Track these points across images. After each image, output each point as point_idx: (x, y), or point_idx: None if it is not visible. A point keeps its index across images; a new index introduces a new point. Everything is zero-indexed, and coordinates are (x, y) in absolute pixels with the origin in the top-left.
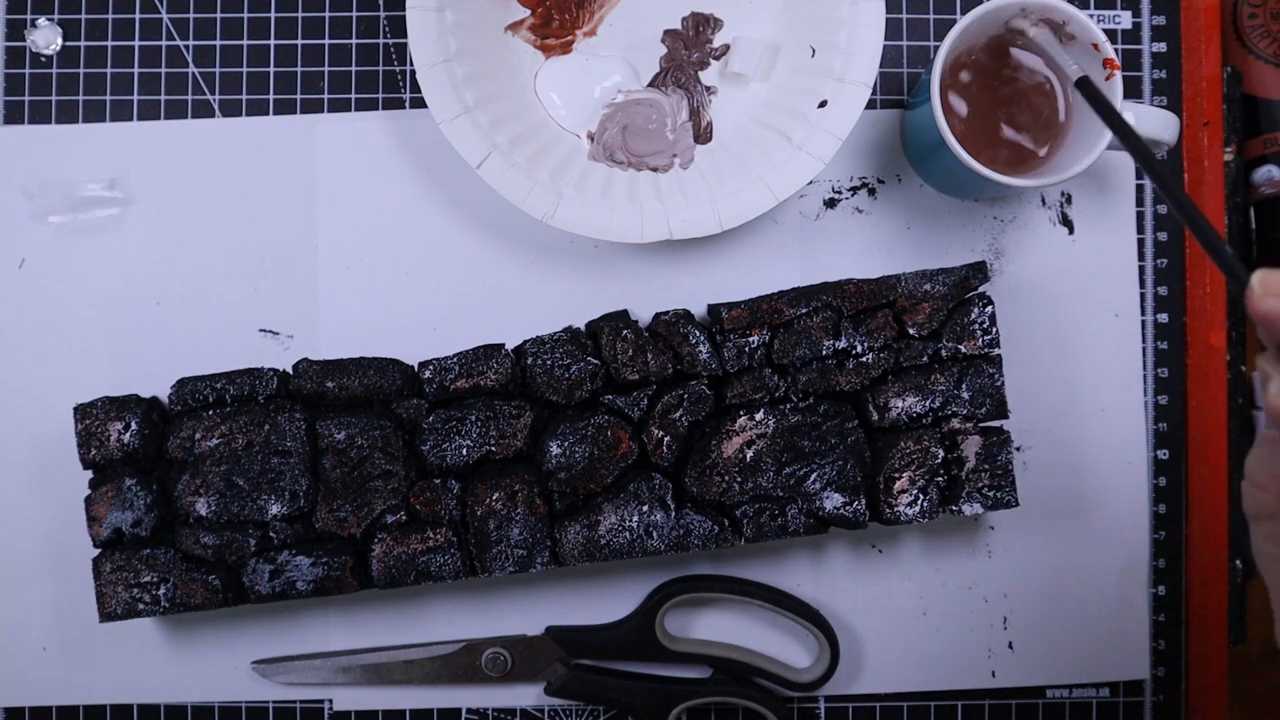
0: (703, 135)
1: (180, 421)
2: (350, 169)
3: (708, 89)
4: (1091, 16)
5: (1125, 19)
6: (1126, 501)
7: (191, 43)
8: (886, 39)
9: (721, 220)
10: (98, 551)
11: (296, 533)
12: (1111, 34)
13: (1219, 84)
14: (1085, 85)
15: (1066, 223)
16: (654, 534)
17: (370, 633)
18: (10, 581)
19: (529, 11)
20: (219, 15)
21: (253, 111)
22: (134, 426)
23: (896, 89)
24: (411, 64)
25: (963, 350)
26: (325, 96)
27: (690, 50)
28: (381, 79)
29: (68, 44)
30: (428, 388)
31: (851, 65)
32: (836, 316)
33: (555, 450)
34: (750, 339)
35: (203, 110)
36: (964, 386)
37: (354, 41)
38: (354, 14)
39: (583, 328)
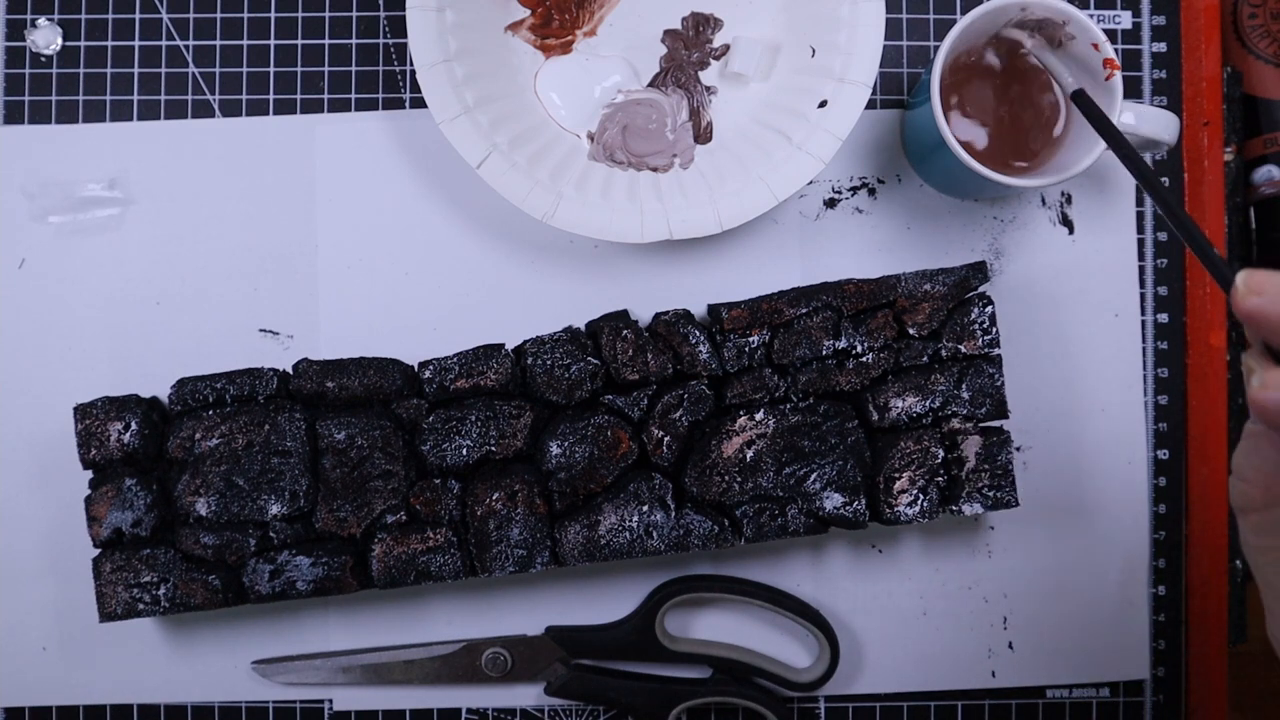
0: (703, 135)
1: (180, 421)
2: (350, 169)
3: (708, 89)
4: (1091, 16)
5: (1125, 19)
6: (1126, 501)
7: (191, 43)
8: (886, 39)
9: (721, 220)
10: (98, 551)
11: (296, 533)
12: (1111, 34)
13: (1219, 84)
14: (1081, 98)
15: (1066, 223)
16: (654, 534)
17: (370, 633)
18: (10, 581)
19: (529, 11)
20: (219, 15)
21: (253, 111)
22: (134, 426)
23: (896, 89)
24: (411, 64)
25: (963, 350)
26: (325, 96)
27: (690, 50)
28: (381, 79)
29: (68, 44)
30: (428, 388)
31: (851, 65)
32: (836, 316)
33: (555, 450)
34: (750, 339)
35: (203, 110)
36: (964, 386)
37: (354, 41)
38: (354, 14)
39: (583, 328)
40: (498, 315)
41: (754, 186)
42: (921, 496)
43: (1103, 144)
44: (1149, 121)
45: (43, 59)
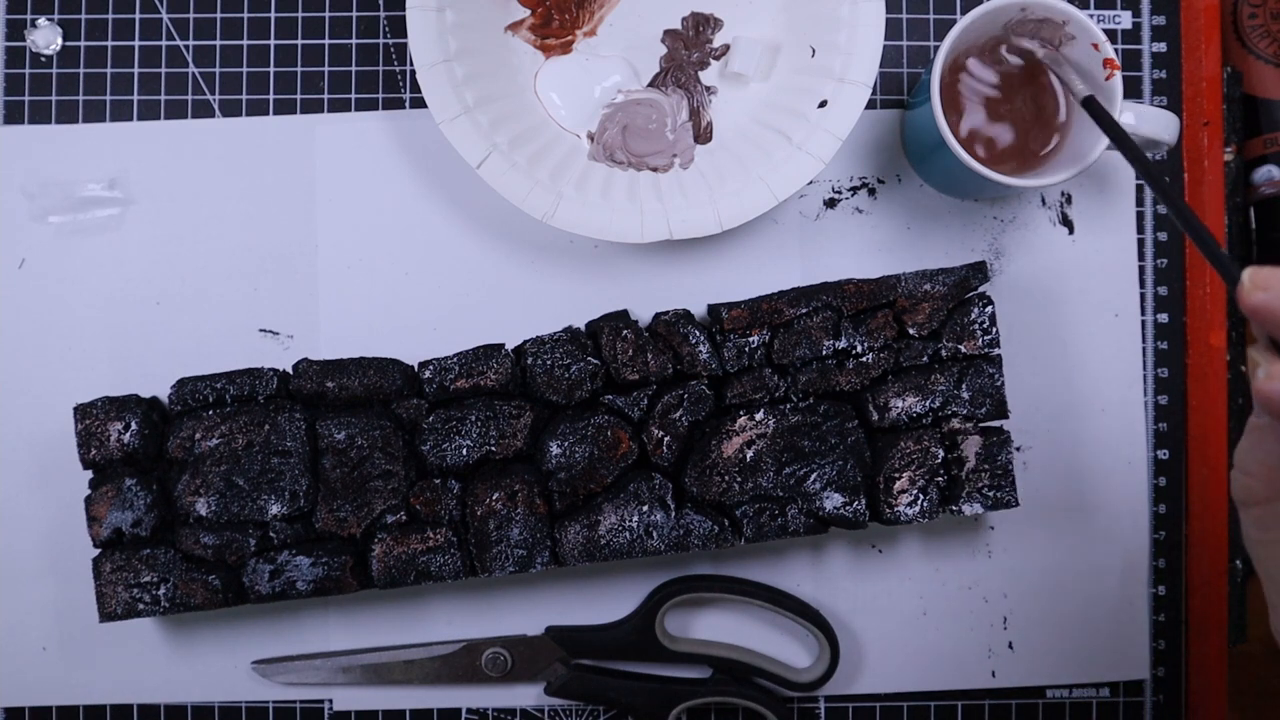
0: (703, 135)
1: (180, 421)
2: (350, 169)
3: (708, 89)
4: (1091, 16)
5: (1125, 19)
6: (1126, 501)
7: (191, 43)
8: (886, 39)
9: (721, 220)
10: (98, 551)
11: (296, 533)
12: (1111, 34)
13: (1219, 84)
14: (1092, 105)
15: (1066, 223)
16: (654, 534)
17: (370, 633)
18: (10, 581)
19: (529, 11)
20: (219, 15)
21: (253, 111)
22: (134, 426)
23: (896, 89)
24: (411, 64)
25: (963, 350)
26: (325, 96)
27: (690, 50)
28: (381, 79)
29: (68, 44)
30: (428, 388)
31: (851, 65)
32: (836, 316)
33: (555, 450)
34: (750, 339)
35: (203, 110)
36: (964, 386)
37: (354, 41)
38: (354, 14)
39: (583, 328)
40: (498, 315)
41: (754, 186)
42: (921, 496)
43: (1103, 144)
44: (1149, 121)
45: (43, 59)
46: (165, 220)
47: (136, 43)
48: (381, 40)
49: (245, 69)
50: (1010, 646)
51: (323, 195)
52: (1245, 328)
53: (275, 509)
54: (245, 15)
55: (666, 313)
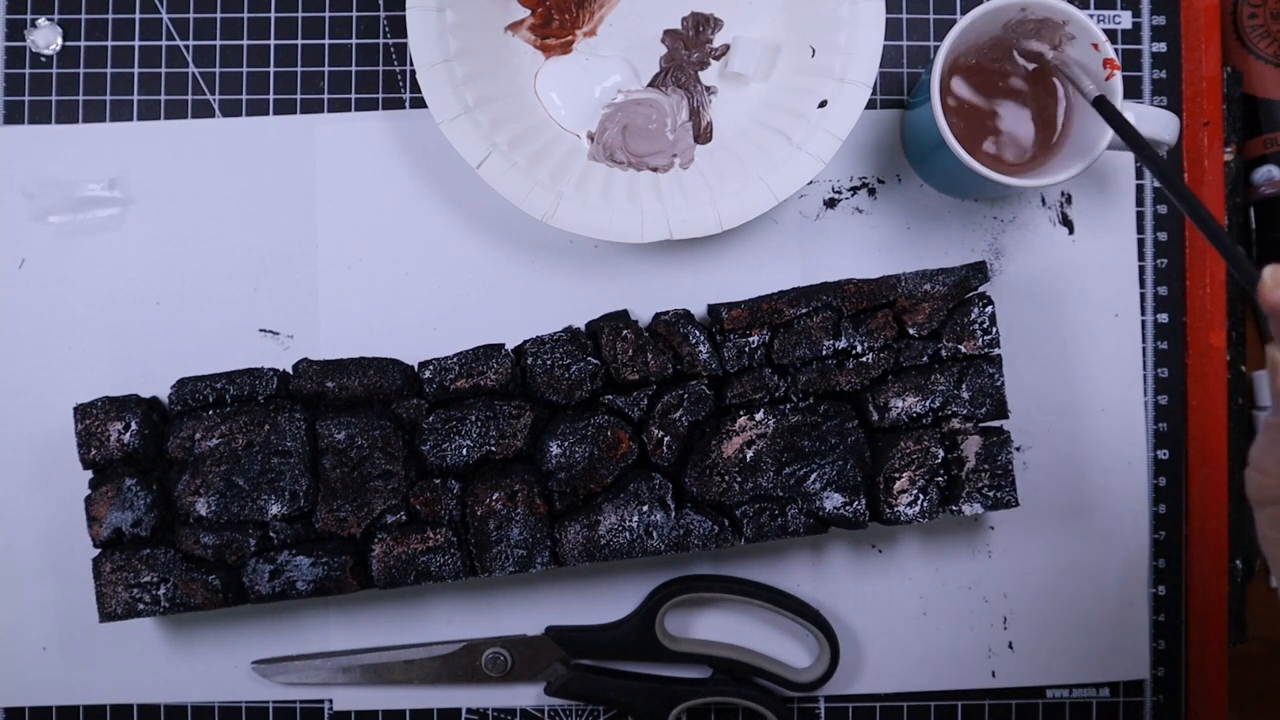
0: (703, 135)
1: (180, 421)
2: (350, 169)
3: (708, 89)
4: (1091, 16)
5: (1125, 19)
6: (1126, 501)
7: (191, 43)
8: (886, 39)
9: (721, 220)
10: (98, 551)
11: (296, 533)
12: (1111, 34)
13: (1219, 84)
14: (1102, 105)
15: (1066, 223)
16: (654, 534)
17: (370, 633)
18: (10, 581)
19: (529, 11)
20: (219, 15)
21: (253, 111)
22: (134, 426)
23: (896, 89)
24: (411, 64)
25: (963, 350)
26: (325, 96)
27: (690, 50)
28: (381, 79)
29: (68, 44)
30: (428, 388)
31: (851, 65)
32: (836, 316)
33: (555, 450)
34: (750, 339)
35: (203, 110)
36: (964, 386)
37: (354, 41)
38: (354, 14)
39: (583, 328)
40: (498, 315)
41: (754, 186)
42: (921, 496)
43: (1103, 144)
44: (1149, 121)
45: (43, 59)
46: (165, 220)
47: (136, 43)
48: (381, 40)
49: (245, 69)
50: (1010, 646)
51: (323, 195)
52: (1246, 328)
53: (275, 509)
54: (245, 15)
55: (666, 313)
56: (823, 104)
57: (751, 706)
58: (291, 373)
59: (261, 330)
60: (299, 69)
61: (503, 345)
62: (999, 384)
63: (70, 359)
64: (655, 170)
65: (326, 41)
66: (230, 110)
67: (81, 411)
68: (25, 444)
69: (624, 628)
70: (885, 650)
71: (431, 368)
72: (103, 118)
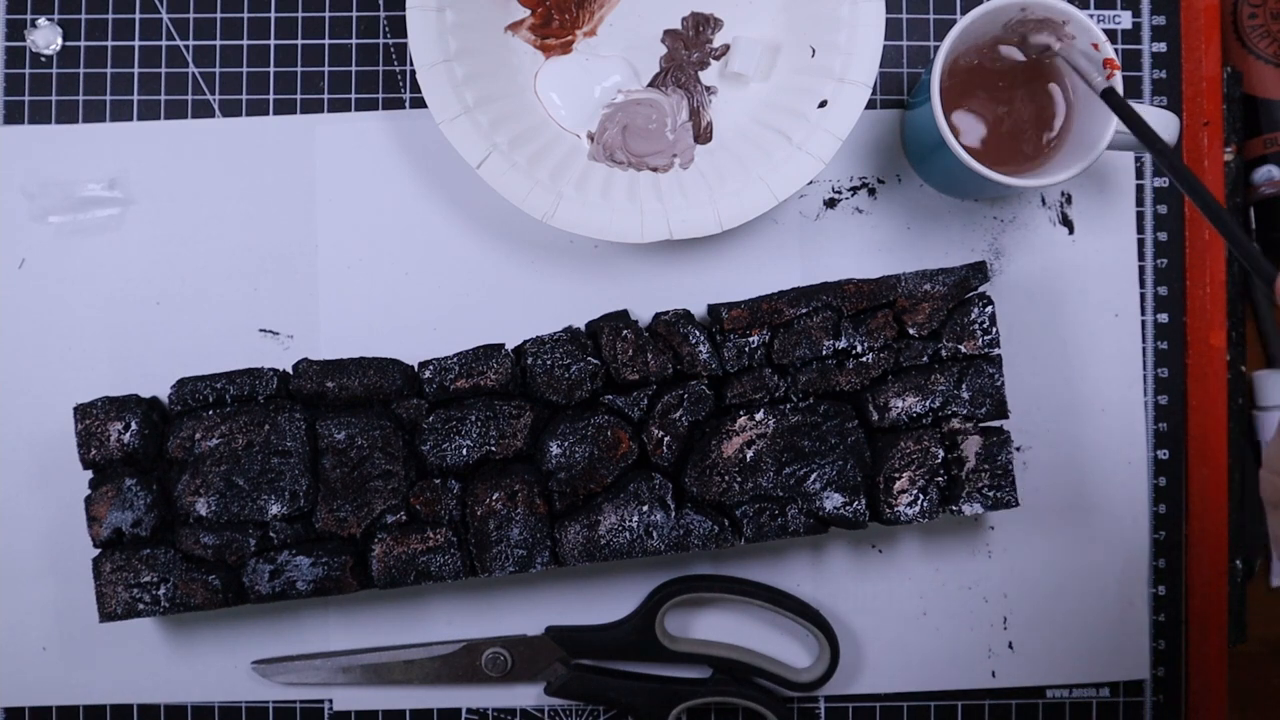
0: (703, 135)
1: (180, 421)
2: (350, 169)
3: (708, 89)
4: (1091, 16)
5: (1125, 19)
6: (1126, 501)
7: (191, 43)
8: (886, 39)
9: (721, 220)
10: (98, 551)
11: (296, 533)
12: (1111, 34)
13: (1219, 84)
14: (1111, 96)
15: (1066, 223)
16: (654, 534)
17: (370, 633)
18: (10, 581)
19: (529, 11)
20: (219, 15)
21: (253, 111)
22: (134, 426)
23: (896, 89)
24: (411, 64)
25: (963, 350)
26: (325, 96)
27: (690, 50)
28: (381, 79)
29: (68, 44)
30: (428, 388)
31: (851, 65)
32: (836, 316)
33: (555, 450)
34: (750, 339)
35: (203, 110)
36: (964, 386)
37: (354, 41)
38: (354, 14)
39: (583, 328)
40: (498, 315)
41: (754, 186)
42: (921, 496)
43: (1104, 144)
44: (1149, 122)
45: (43, 59)
46: (165, 220)
47: (136, 43)
48: (381, 40)
49: (245, 69)
50: (1010, 646)
51: (323, 195)
52: (1246, 328)
53: (275, 509)
54: (245, 15)
55: (666, 313)
56: (823, 104)
57: (751, 706)
58: (291, 373)
59: (261, 330)
60: (299, 69)
61: (503, 345)
62: (999, 384)
63: (70, 359)
64: (655, 170)
65: (326, 41)
66: (230, 110)
67: (81, 411)
68: (25, 444)
69: (624, 628)
70: (885, 650)
71: (431, 368)
72: (103, 118)
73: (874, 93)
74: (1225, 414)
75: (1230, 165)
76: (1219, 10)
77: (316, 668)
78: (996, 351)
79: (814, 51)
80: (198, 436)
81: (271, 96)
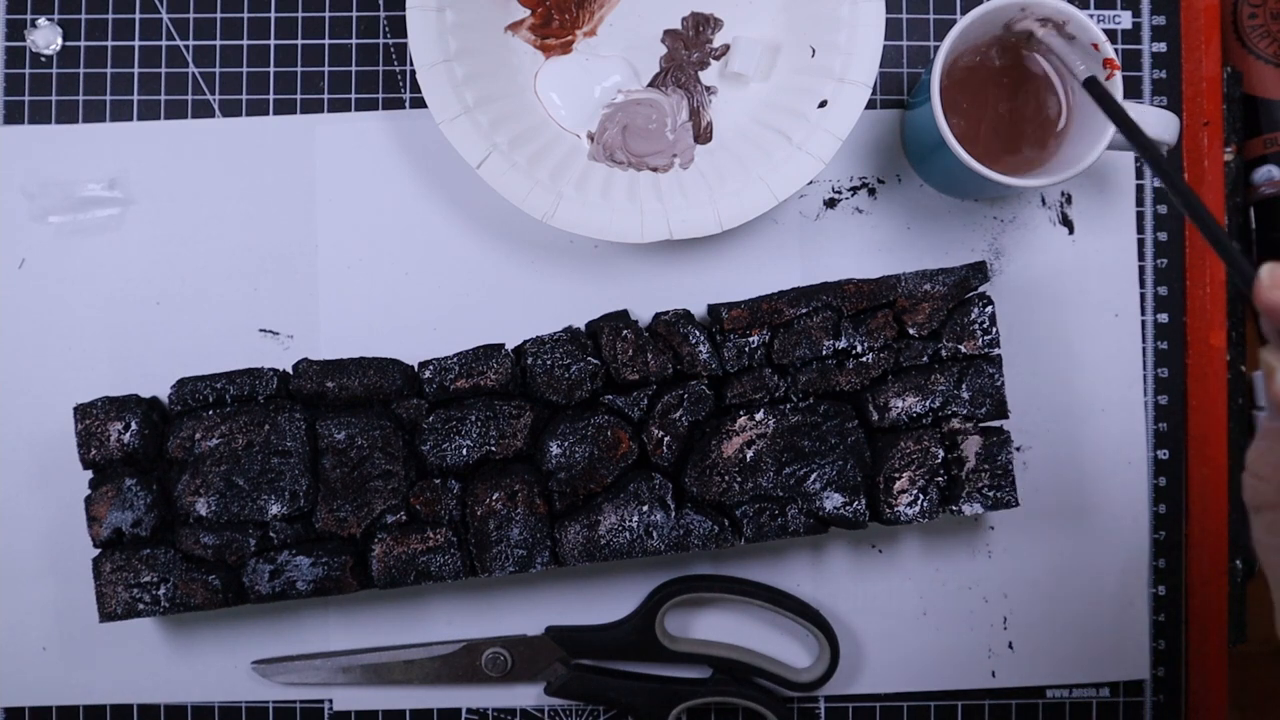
0: (703, 135)
1: (180, 421)
2: (350, 169)
3: (708, 89)
4: (1091, 16)
5: (1125, 19)
6: (1126, 501)
7: (191, 43)
8: (886, 39)
9: (721, 220)
10: (98, 551)
11: (296, 533)
12: (1111, 34)
13: (1219, 84)
14: (1093, 85)
15: (1066, 223)
16: (654, 534)
17: (370, 633)
18: (10, 581)
19: (529, 11)
20: (219, 15)
21: (253, 111)
22: (134, 426)
23: (896, 89)
24: (411, 64)
25: (963, 350)
26: (325, 96)
27: (690, 50)
28: (381, 79)
29: (68, 44)
30: (428, 388)
31: (851, 65)
32: (836, 316)
33: (555, 450)
34: (750, 339)
35: (203, 110)
36: (964, 386)
37: (354, 41)
38: (354, 14)
39: (583, 328)
40: (498, 315)
41: (754, 186)
42: (921, 496)
43: (1103, 144)
44: (1149, 121)
45: (43, 59)
46: (165, 220)
47: (136, 43)
48: (381, 40)
49: (245, 69)
50: (1010, 646)
51: (323, 195)
52: (1245, 328)
53: (275, 509)
54: (245, 15)
55: (666, 313)
56: (823, 104)
57: (751, 706)
58: (291, 373)
59: (261, 330)
60: (299, 69)
61: (503, 345)
62: (999, 384)
63: (70, 359)
64: (655, 170)
65: (326, 41)
66: (230, 110)
67: (81, 411)
68: (25, 444)
69: (624, 628)
70: (885, 650)
71: (431, 368)
72: (103, 118)
73: (874, 93)
74: (1225, 414)
75: (1230, 165)
76: (1219, 10)
77: (316, 668)
78: (996, 351)
79: (814, 51)
80: (198, 436)
81: (271, 96)
